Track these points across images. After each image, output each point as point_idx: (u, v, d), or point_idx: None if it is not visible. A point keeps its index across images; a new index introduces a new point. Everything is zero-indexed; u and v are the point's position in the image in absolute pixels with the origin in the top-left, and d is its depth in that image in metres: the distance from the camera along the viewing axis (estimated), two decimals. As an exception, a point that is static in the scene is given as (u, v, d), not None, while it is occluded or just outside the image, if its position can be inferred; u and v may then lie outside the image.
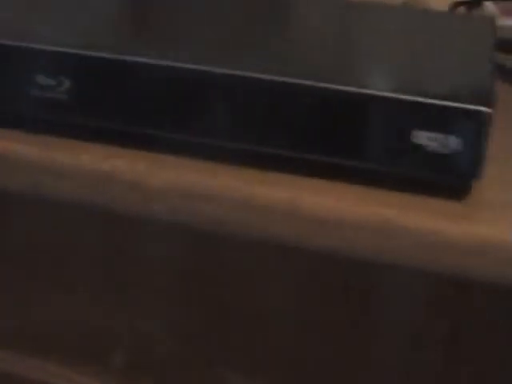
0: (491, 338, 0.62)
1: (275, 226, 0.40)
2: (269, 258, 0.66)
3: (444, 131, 0.40)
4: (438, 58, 0.48)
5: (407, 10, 0.65)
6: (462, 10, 0.68)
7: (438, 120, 0.40)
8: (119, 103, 0.44)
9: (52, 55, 0.44)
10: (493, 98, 0.41)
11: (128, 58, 0.43)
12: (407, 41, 0.53)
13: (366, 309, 0.66)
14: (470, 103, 0.40)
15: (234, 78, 0.41)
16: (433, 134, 0.40)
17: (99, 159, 0.43)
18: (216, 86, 0.42)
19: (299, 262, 0.65)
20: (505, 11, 0.69)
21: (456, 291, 0.63)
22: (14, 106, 0.45)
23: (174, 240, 0.70)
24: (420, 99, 0.40)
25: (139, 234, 0.71)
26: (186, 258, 0.71)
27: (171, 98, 0.43)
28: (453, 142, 0.40)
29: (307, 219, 0.40)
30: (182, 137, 0.43)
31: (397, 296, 0.65)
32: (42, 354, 0.77)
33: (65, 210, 0.70)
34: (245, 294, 0.70)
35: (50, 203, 0.66)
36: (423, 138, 0.40)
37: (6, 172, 0.44)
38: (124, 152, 0.43)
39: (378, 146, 0.42)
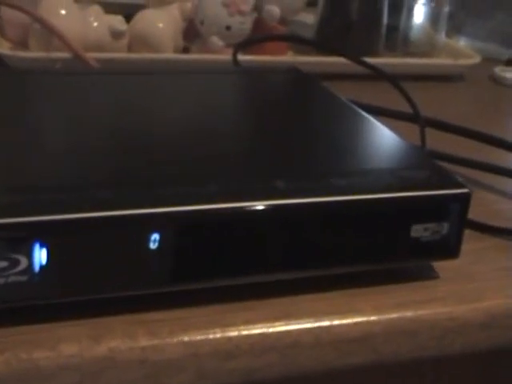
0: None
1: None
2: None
3: (438, 219, 0.44)
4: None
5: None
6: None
7: (434, 210, 0.43)
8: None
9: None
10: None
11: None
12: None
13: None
14: (457, 187, 0.44)
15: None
16: (429, 225, 0.43)
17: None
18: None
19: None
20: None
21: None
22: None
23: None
24: (419, 193, 0.43)
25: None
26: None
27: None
28: (445, 227, 0.44)
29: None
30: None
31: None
32: None
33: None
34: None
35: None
36: (420, 230, 0.43)
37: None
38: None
39: (377, 246, 0.43)
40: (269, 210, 0.40)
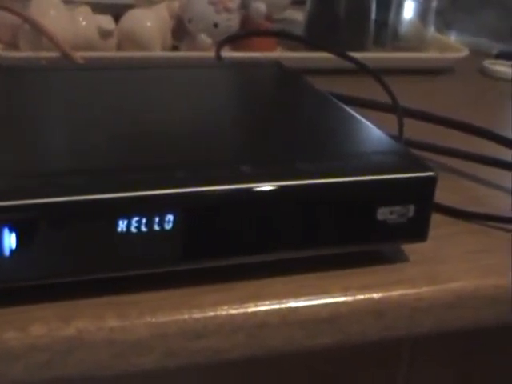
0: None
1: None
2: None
3: (404, 202, 0.44)
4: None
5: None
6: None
7: (399, 193, 0.44)
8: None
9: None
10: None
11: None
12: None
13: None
14: (421, 171, 0.45)
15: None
16: (395, 208, 0.44)
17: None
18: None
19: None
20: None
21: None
22: None
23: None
24: (383, 177, 0.44)
25: None
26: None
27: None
28: (411, 210, 0.45)
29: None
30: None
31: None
32: None
33: None
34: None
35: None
36: (387, 213, 0.44)
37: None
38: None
39: (344, 229, 0.44)
40: (232, 194, 0.41)
